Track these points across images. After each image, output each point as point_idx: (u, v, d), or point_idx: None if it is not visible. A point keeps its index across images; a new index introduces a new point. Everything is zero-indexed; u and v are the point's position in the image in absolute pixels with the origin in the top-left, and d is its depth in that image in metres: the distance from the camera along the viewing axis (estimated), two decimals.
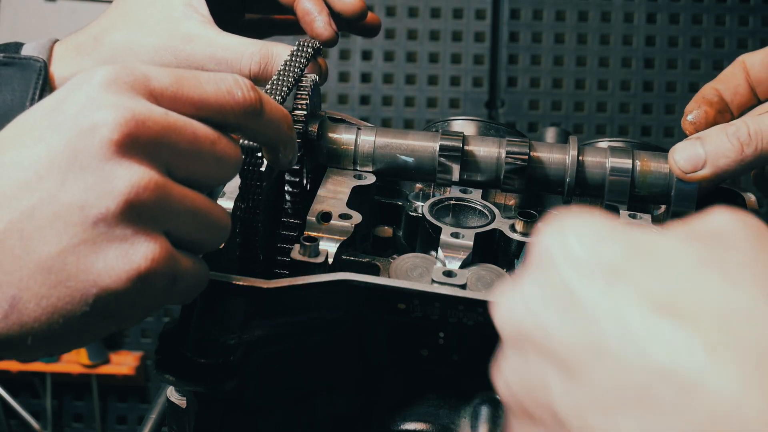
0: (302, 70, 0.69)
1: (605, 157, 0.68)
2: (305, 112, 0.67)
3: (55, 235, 0.45)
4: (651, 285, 0.36)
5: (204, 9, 0.79)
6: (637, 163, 0.68)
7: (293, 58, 0.70)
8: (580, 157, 0.68)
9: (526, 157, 0.68)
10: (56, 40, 0.82)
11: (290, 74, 0.67)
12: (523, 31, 1.62)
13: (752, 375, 0.33)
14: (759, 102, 0.70)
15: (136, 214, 0.46)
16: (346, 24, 0.84)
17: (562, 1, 1.62)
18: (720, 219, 0.40)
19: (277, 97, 0.62)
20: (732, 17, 1.59)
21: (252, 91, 0.52)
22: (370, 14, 0.84)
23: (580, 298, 0.38)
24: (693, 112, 0.69)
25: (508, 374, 0.41)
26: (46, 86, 0.77)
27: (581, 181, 0.68)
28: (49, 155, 0.46)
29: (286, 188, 0.68)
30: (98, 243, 0.46)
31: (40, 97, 0.76)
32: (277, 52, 0.76)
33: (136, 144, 0.46)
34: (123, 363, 1.67)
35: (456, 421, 0.58)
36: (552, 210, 0.72)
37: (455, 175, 0.69)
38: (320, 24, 0.80)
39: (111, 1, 0.83)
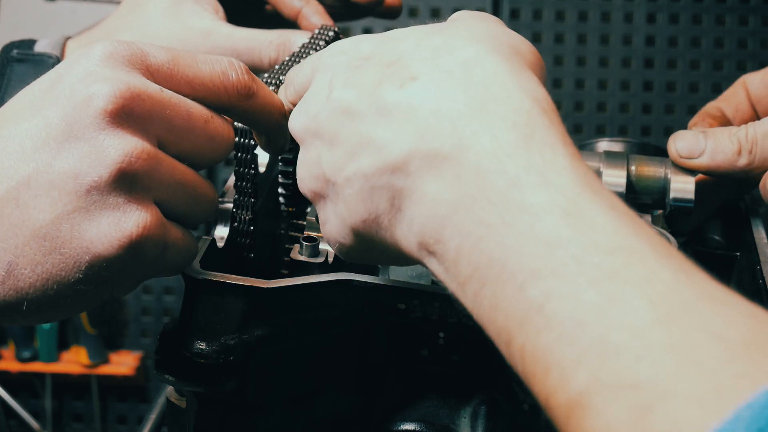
0: None
1: (598, 162, 0.68)
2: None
3: (49, 203, 0.47)
4: (389, 60, 0.47)
5: (210, 6, 0.79)
6: (632, 168, 0.67)
7: (309, 43, 0.70)
8: None
9: None
10: (69, 37, 0.82)
11: (301, 58, 0.67)
12: (523, 31, 1.62)
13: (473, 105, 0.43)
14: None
15: (128, 182, 0.47)
16: (366, 10, 0.85)
17: (562, 1, 1.62)
18: (456, 14, 0.52)
19: (278, 80, 0.63)
20: (732, 17, 1.59)
21: (246, 74, 0.53)
22: None
23: (337, 86, 0.47)
24: (698, 125, 0.70)
25: (301, 171, 0.50)
26: None
27: None
28: (46, 127, 0.47)
29: (279, 183, 0.68)
30: (91, 211, 0.47)
31: None
32: (294, 40, 0.77)
33: (130, 116, 0.48)
34: (123, 363, 1.67)
35: (456, 421, 0.58)
36: None
37: None
38: None
39: (110, 2, 0.83)
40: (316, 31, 0.73)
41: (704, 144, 0.64)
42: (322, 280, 0.54)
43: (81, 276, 0.48)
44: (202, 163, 0.53)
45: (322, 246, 0.60)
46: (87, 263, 0.47)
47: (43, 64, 0.79)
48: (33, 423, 1.69)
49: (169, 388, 0.58)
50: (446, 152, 0.42)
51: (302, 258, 0.59)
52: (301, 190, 0.51)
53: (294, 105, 0.54)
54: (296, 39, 0.77)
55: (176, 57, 0.52)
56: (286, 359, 0.55)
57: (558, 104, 1.63)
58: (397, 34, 0.50)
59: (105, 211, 0.47)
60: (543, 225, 0.39)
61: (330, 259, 0.60)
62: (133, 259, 0.48)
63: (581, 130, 1.61)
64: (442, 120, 0.43)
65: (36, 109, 0.48)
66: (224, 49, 0.77)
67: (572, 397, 0.35)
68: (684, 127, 0.70)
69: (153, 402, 0.78)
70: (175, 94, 0.50)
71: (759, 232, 0.65)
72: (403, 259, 0.47)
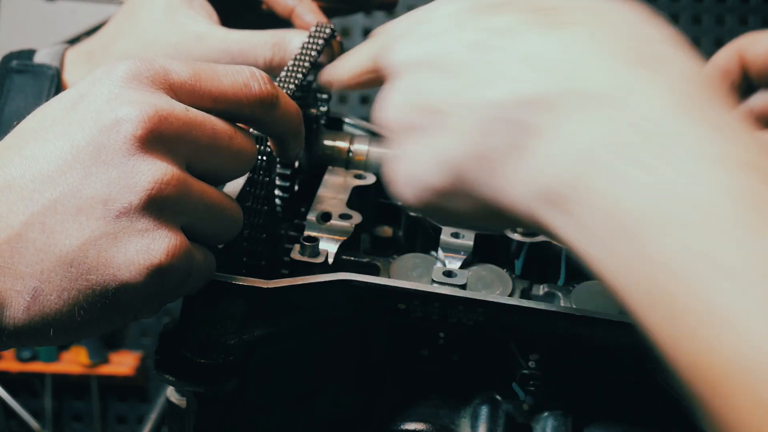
0: (318, 54, 0.70)
1: None
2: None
3: (77, 229, 0.46)
4: (535, 7, 0.44)
5: (204, 10, 0.80)
6: None
7: (308, 42, 0.71)
8: None
9: None
10: (68, 47, 0.82)
11: (305, 60, 0.67)
12: None
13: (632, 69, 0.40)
14: (753, 86, 0.68)
15: (157, 208, 0.47)
16: (361, 4, 0.85)
17: None
18: None
19: (290, 86, 0.63)
20: (732, 17, 1.59)
21: (268, 84, 0.52)
22: None
23: (468, 22, 0.45)
24: None
25: (394, 98, 0.47)
26: (58, 93, 0.78)
27: None
28: (72, 150, 0.47)
29: (277, 186, 0.68)
30: (119, 237, 0.46)
31: None
32: (289, 38, 0.77)
33: (158, 140, 0.47)
34: (123, 363, 1.67)
35: (456, 421, 0.58)
36: None
37: None
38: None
39: (110, 2, 0.83)
40: (313, 29, 0.73)
41: None
42: (322, 280, 0.54)
43: (107, 302, 0.47)
44: (226, 179, 0.52)
45: (322, 246, 0.60)
46: (113, 290, 0.46)
47: (43, 75, 0.79)
48: (33, 423, 1.69)
49: (169, 388, 0.58)
50: (605, 94, 0.40)
51: (302, 258, 0.59)
52: (384, 121, 0.48)
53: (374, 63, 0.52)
54: (291, 38, 0.77)
55: (198, 72, 0.51)
56: (286, 359, 0.55)
57: None
58: None
59: (133, 237, 0.46)
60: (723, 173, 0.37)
61: (330, 260, 0.60)
62: (159, 285, 0.47)
63: None
64: (606, 61, 0.41)
65: (60, 130, 0.47)
66: (218, 51, 0.77)
67: None
68: None
69: (153, 402, 0.78)
70: (200, 112, 0.49)
71: None
72: (491, 215, 0.44)
